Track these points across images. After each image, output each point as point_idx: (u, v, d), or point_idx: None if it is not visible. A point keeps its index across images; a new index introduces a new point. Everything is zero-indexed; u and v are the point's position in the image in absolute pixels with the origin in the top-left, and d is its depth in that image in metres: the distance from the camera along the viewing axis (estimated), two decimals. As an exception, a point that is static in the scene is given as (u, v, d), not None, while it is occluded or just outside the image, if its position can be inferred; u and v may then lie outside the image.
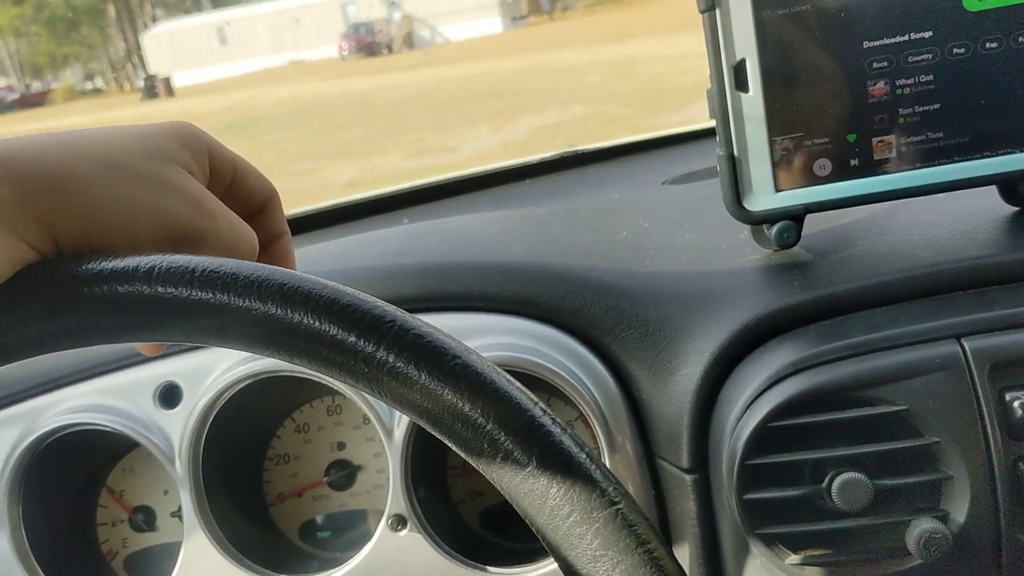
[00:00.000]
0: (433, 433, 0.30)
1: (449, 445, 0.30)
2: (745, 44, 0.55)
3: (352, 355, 0.30)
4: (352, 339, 0.30)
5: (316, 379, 0.62)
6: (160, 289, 0.31)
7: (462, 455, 0.30)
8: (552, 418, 0.30)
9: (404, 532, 0.61)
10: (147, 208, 0.34)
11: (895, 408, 0.48)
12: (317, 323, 0.30)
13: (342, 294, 0.31)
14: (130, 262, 0.31)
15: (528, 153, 1.11)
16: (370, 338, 0.30)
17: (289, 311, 0.30)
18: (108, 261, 0.32)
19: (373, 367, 0.30)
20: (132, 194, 0.34)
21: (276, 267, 0.32)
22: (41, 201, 0.31)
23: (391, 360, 0.30)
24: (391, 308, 0.31)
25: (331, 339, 0.30)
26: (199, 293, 0.31)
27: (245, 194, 0.42)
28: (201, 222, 0.36)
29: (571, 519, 0.29)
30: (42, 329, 0.32)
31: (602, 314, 0.59)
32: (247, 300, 0.31)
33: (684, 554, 0.57)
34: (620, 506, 0.29)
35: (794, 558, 0.49)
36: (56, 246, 0.32)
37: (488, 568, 0.61)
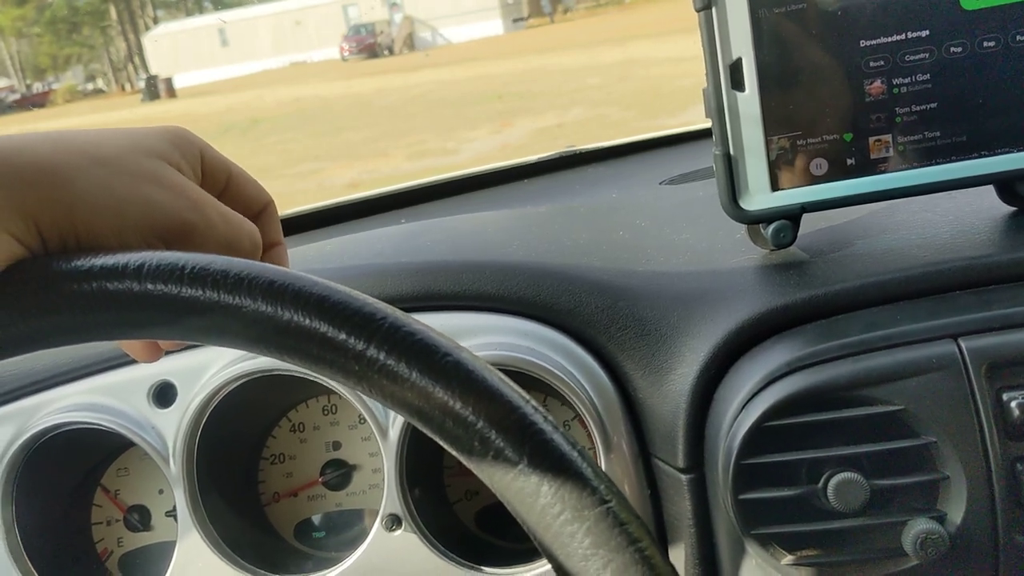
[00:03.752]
0: (424, 431, 0.30)
1: (440, 443, 0.30)
2: (741, 43, 0.55)
3: (343, 353, 0.30)
4: (343, 336, 0.30)
5: (312, 378, 0.62)
6: (150, 286, 0.31)
7: (453, 453, 0.30)
8: (544, 416, 0.30)
9: (399, 532, 0.61)
10: (134, 200, 0.34)
11: (891, 408, 0.47)
12: (307, 320, 0.30)
13: (333, 291, 0.31)
14: (120, 259, 0.31)
15: (527, 155, 1.11)
16: (361, 335, 0.30)
17: (279, 309, 0.30)
18: (98, 258, 0.31)
19: (364, 364, 0.30)
20: (118, 187, 0.34)
21: (267, 264, 0.31)
22: (26, 193, 0.31)
23: (382, 358, 0.29)
24: (382, 305, 0.31)
25: (321, 337, 0.30)
26: (189, 290, 0.31)
27: (241, 201, 0.41)
28: (190, 214, 0.35)
29: (562, 517, 0.28)
30: (31, 327, 0.32)
31: (598, 313, 0.59)
32: (237, 298, 0.30)
33: (680, 554, 0.57)
34: (611, 504, 0.29)
35: (790, 558, 0.49)
36: (42, 240, 0.32)
37: (483, 568, 0.61)
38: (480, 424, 0.29)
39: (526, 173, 1.07)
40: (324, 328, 0.30)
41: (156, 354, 0.41)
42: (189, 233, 0.35)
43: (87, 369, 0.65)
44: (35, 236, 0.32)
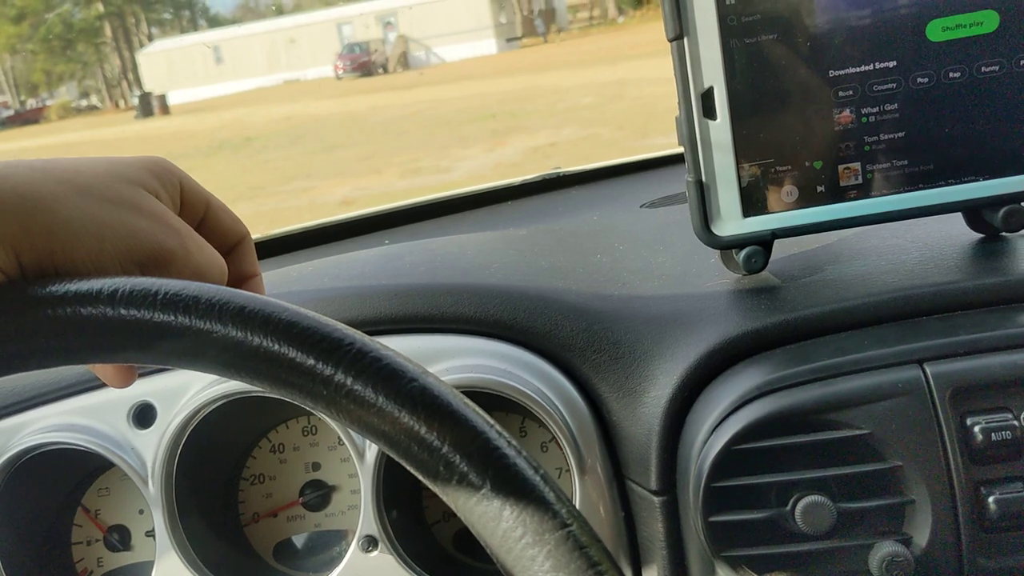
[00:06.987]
0: (392, 455, 0.31)
1: (407, 467, 0.31)
2: (713, 72, 0.56)
3: (310, 378, 0.30)
4: (311, 362, 0.30)
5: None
6: (123, 311, 0.31)
7: (419, 477, 0.30)
8: (507, 440, 0.30)
9: (375, 553, 0.61)
10: (113, 227, 0.35)
11: (858, 432, 0.48)
12: (276, 346, 0.31)
13: (301, 317, 0.31)
14: (94, 284, 0.32)
15: (520, 174, 1.12)
16: (328, 360, 0.30)
17: (249, 334, 0.31)
18: (73, 283, 0.32)
19: (331, 389, 0.30)
20: (98, 214, 0.34)
21: (238, 291, 0.32)
22: (6, 220, 0.32)
23: (349, 383, 0.30)
24: (350, 331, 0.31)
25: (290, 362, 0.31)
26: (161, 316, 0.31)
27: (218, 232, 0.42)
28: (168, 241, 0.36)
29: (523, 541, 0.29)
30: (6, 350, 0.32)
31: (574, 336, 0.59)
32: (208, 323, 0.31)
33: (653, 576, 0.57)
34: (572, 528, 0.29)
35: (759, 580, 0.49)
36: (20, 266, 0.33)
37: (459, 589, 0.61)
38: (445, 449, 0.30)
39: (512, 195, 1.08)
40: (292, 353, 0.30)
41: (128, 380, 0.42)
42: (167, 260, 0.36)
43: (67, 390, 0.66)
44: (13, 262, 0.33)
